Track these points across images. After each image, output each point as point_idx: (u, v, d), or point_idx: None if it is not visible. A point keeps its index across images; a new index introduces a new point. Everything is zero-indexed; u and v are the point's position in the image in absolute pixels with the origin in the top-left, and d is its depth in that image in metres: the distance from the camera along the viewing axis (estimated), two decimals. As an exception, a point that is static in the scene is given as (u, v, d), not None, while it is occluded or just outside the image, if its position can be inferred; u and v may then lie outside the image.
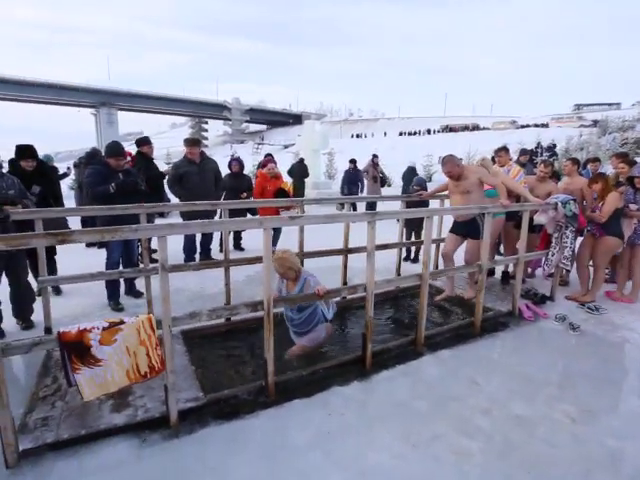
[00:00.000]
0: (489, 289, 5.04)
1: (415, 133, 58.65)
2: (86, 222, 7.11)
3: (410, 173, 9.21)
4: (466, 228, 4.45)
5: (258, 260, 3.24)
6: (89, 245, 6.98)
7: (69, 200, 8.47)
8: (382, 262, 5.25)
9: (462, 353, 3.56)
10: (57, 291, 4.63)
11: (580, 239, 4.99)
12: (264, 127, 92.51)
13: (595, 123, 34.58)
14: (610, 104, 63.27)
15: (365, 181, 11.08)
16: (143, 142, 5.94)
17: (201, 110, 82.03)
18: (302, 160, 11.33)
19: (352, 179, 10.98)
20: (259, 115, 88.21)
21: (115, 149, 4.35)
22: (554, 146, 18.89)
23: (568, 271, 5.19)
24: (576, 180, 5.26)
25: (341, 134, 69.51)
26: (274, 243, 6.62)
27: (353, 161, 11.08)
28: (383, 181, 12.01)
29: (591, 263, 4.91)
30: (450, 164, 4.31)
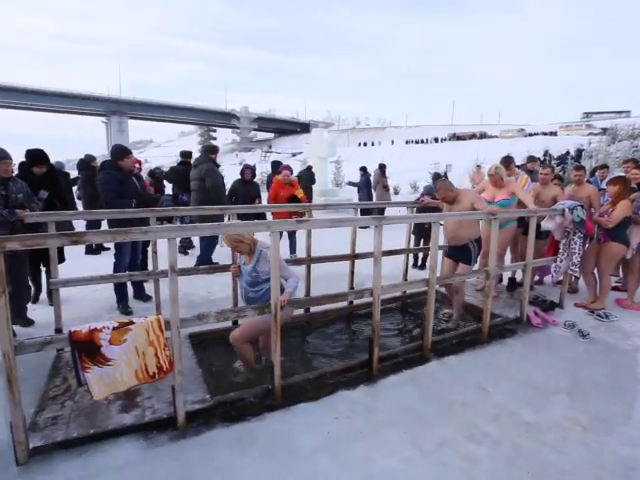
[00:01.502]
0: (497, 295, 5.00)
1: (422, 141, 58.69)
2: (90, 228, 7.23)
3: (436, 179, 9.16)
4: (458, 253, 4.26)
5: (266, 264, 3.25)
6: (89, 252, 7.06)
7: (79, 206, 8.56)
8: (389, 268, 5.22)
9: (469, 359, 3.53)
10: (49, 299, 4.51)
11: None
12: (272, 135, 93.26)
13: (604, 131, 34.24)
14: (619, 112, 63.00)
15: (374, 191, 11.19)
16: (188, 155, 7.11)
17: (210, 119, 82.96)
18: (310, 167, 11.41)
19: (361, 186, 11.10)
20: (267, 124, 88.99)
21: (123, 149, 4.31)
22: (580, 152, 18.08)
23: (577, 278, 5.15)
24: (584, 187, 5.22)
25: (349, 142, 69.68)
26: (292, 250, 6.70)
27: (363, 168, 11.17)
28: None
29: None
30: (443, 190, 4.15)
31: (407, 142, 60.30)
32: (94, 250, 7.00)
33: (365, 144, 64.37)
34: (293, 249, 6.77)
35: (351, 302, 4.55)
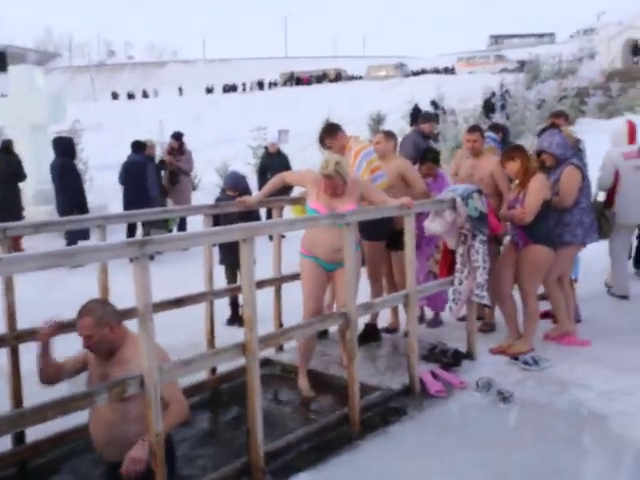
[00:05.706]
0: (368, 353, 5.45)
1: (234, 89, 60.45)
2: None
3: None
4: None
5: None
6: None
7: None
8: (181, 334, 5.42)
9: (333, 474, 3.70)
10: None
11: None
12: None
13: (522, 65, 40.45)
14: (540, 35, 75.47)
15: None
16: None
17: None
18: (8, 146, 10.94)
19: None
20: None
21: None
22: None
23: (488, 307, 5.92)
24: (483, 160, 6.03)
25: (94, 92, 67.90)
26: None
27: (137, 145, 11.12)
28: None
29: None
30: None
31: (209, 90, 61.73)
32: None
33: (132, 96, 63.39)
34: None
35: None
